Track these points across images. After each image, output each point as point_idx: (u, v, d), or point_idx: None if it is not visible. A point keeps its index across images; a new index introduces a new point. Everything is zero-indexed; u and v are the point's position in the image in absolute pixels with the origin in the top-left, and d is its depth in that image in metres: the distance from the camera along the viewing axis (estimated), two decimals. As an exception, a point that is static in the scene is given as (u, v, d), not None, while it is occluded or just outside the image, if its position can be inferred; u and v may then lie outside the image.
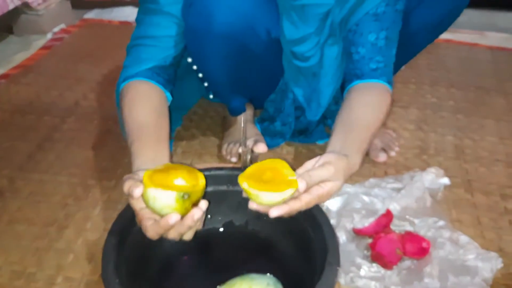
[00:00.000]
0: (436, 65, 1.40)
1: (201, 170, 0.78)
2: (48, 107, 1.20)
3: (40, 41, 1.60)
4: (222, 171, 0.79)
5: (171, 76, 0.84)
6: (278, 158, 0.65)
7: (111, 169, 0.99)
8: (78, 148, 1.05)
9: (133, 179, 0.61)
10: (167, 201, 0.57)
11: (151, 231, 0.60)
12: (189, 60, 0.92)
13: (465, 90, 1.27)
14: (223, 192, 0.79)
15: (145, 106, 0.77)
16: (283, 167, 0.64)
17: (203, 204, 0.61)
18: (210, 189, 0.78)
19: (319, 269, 0.63)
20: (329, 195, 0.64)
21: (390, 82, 0.83)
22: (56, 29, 1.68)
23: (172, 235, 0.61)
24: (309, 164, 0.65)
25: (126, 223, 0.69)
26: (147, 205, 0.60)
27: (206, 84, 0.99)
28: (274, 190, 0.60)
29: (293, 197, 0.62)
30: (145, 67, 0.79)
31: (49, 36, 1.65)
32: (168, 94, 0.83)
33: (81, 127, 1.13)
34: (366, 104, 0.79)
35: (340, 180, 0.65)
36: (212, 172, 0.78)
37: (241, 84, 0.94)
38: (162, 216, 0.59)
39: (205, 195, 0.75)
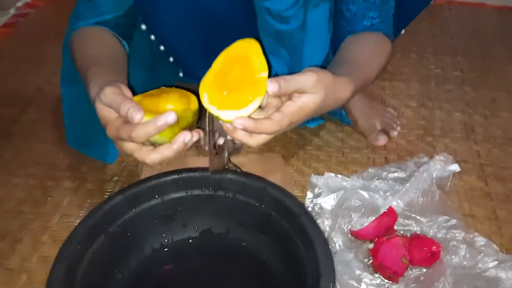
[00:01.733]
0: (439, 31, 1.26)
1: (171, 172, 0.67)
2: (5, 95, 1.06)
3: (2, 18, 1.44)
4: (195, 172, 0.67)
5: (117, 33, 0.75)
6: (250, 39, 0.54)
7: (75, 167, 0.86)
8: (37, 143, 0.93)
9: (126, 97, 0.53)
10: None
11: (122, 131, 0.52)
12: (143, 27, 0.79)
13: (471, 58, 1.14)
14: (198, 197, 0.68)
15: (99, 42, 0.72)
16: (254, 54, 0.53)
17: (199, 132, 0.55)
18: (182, 194, 0.67)
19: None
20: (304, 112, 0.54)
21: (389, 36, 0.75)
22: (19, 4, 1.52)
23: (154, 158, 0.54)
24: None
25: (79, 246, 0.58)
26: None
27: (171, 59, 0.86)
28: (237, 104, 0.51)
29: (262, 115, 0.53)
30: (86, 23, 0.73)
31: (12, 11, 1.49)
32: (124, 42, 0.75)
33: (42, 117, 1.00)
34: (362, 44, 0.73)
35: (320, 93, 0.54)
36: (184, 175, 0.66)
37: (209, 53, 0.82)
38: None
39: (179, 200, 0.67)
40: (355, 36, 0.75)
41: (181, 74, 0.93)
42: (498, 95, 1.02)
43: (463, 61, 1.13)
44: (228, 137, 0.60)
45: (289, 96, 0.55)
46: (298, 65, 0.82)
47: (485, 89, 1.04)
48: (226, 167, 0.69)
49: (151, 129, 0.51)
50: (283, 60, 0.83)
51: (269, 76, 0.53)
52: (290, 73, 0.83)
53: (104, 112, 0.55)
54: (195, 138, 0.54)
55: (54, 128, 0.96)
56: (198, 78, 0.89)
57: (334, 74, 0.59)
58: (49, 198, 0.80)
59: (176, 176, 0.66)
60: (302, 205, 0.62)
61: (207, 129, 0.60)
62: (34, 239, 0.74)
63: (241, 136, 0.53)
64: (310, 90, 0.53)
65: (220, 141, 0.64)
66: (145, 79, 0.86)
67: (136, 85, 0.74)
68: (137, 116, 0.50)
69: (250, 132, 0.52)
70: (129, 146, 0.55)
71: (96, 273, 0.59)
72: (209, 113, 0.53)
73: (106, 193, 0.81)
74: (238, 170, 0.69)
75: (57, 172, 0.85)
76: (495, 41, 1.21)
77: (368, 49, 0.74)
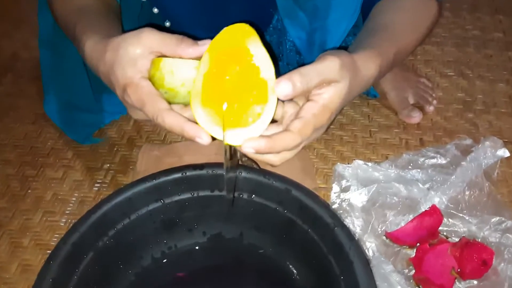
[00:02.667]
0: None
1: (173, 171, 0.55)
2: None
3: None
4: (202, 170, 0.55)
5: None
6: (242, 24, 0.43)
7: (59, 152, 0.74)
8: (14, 122, 0.80)
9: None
10: (189, 72, 0.42)
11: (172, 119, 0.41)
12: None
13: (515, 16, 0.99)
14: (206, 198, 0.56)
15: None
16: (252, 45, 0.41)
17: None
18: (187, 196, 0.56)
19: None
20: (330, 112, 0.42)
21: None
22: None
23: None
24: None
25: (61, 269, 0.47)
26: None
27: (168, 24, 0.72)
28: (243, 120, 0.40)
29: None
30: None
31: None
32: None
33: (20, 90, 0.86)
34: (399, 8, 0.60)
35: (345, 80, 0.42)
36: (188, 174, 0.54)
37: (213, 16, 0.68)
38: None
39: (184, 202, 0.56)
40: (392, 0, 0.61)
41: None
42: (547, 61, 0.88)
43: (505, 20, 0.98)
44: None
45: (307, 96, 0.42)
46: (321, 32, 0.68)
47: (532, 53, 0.90)
48: (240, 162, 0.57)
49: (178, 131, 0.41)
50: (300, 25, 0.69)
51: (277, 70, 0.41)
52: (309, 41, 0.71)
53: (127, 71, 0.43)
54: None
55: (34, 103, 0.82)
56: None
57: (357, 44, 0.48)
58: (29, 191, 0.69)
59: (179, 175, 0.54)
60: (335, 215, 0.50)
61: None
62: (12, 243, 0.63)
63: (259, 157, 0.41)
64: (333, 77, 0.41)
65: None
66: None
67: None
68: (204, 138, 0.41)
69: (265, 153, 0.40)
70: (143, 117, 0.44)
71: (85, 299, 0.49)
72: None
73: (96, 185, 0.69)
74: (254, 166, 0.57)
75: (38, 158, 0.73)
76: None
77: (405, 13, 0.60)
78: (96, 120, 0.78)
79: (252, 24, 0.43)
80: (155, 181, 0.54)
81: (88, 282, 0.50)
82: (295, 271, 0.55)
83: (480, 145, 0.67)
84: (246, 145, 0.39)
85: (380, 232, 0.61)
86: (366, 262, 0.47)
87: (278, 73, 0.41)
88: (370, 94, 0.82)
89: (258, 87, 0.41)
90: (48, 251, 0.52)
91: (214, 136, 0.41)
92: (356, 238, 0.49)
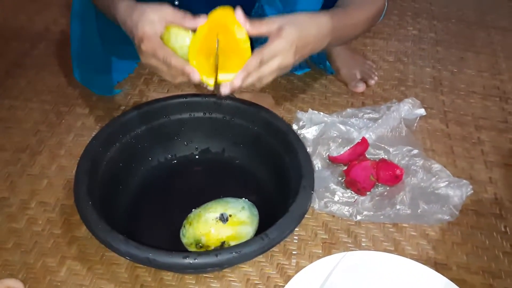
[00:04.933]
0: (420, -3, 1.37)
1: (178, 96, 0.77)
2: (16, 32, 1.14)
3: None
4: (198, 97, 0.77)
5: None
6: (227, 7, 0.62)
7: (85, 96, 0.96)
8: (49, 75, 1.01)
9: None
10: (186, 40, 0.61)
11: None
12: None
13: (446, 23, 1.25)
14: (199, 119, 0.78)
15: None
16: (232, 22, 0.61)
17: None
18: (186, 115, 0.78)
19: (294, 193, 0.64)
20: (286, 39, 0.62)
21: None
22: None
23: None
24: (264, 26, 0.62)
25: (99, 149, 0.68)
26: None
27: (176, 3, 0.92)
28: (227, 69, 0.61)
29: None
30: None
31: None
32: None
33: (52, 53, 1.08)
34: (352, 1, 0.78)
35: (290, 55, 0.63)
36: (188, 99, 0.77)
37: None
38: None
39: (183, 121, 0.76)
40: None
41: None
42: (466, 55, 1.14)
43: (438, 25, 1.24)
44: None
45: None
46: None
47: (455, 49, 1.15)
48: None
49: (180, 68, 0.60)
50: (276, 10, 0.92)
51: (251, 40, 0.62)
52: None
53: (146, 28, 0.61)
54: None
55: (65, 63, 1.04)
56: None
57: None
58: (63, 121, 0.90)
59: (182, 99, 0.77)
60: (289, 126, 0.73)
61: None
62: (51, 153, 0.84)
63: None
64: (280, 53, 0.62)
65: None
66: None
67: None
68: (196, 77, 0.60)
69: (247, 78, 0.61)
70: (157, 64, 0.63)
71: (112, 174, 0.70)
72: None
73: (115, 119, 0.91)
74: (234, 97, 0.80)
75: (69, 100, 0.95)
76: (469, 9, 1.31)
77: (359, 6, 0.79)
78: (109, 79, 0.99)
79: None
80: (164, 102, 0.76)
81: (114, 164, 0.71)
82: (261, 170, 0.77)
83: (402, 101, 0.91)
84: (236, 80, 0.60)
85: (324, 156, 0.84)
86: (306, 152, 0.69)
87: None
88: (328, 71, 1.06)
89: (240, 52, 0.61)
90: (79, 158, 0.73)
91: (205, 80, 0.61)
92: (302, 140, 0.71)
